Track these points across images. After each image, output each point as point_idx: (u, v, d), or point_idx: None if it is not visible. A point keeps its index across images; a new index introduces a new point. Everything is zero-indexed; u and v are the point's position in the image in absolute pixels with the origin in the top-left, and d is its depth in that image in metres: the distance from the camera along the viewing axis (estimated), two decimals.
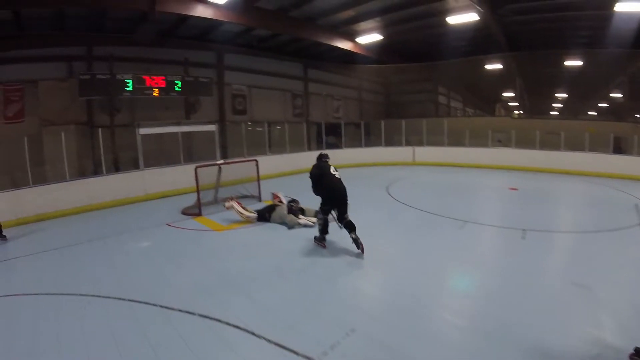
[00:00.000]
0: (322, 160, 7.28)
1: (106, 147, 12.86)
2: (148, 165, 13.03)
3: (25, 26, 12.34)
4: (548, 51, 20.66)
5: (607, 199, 11.78)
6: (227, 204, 9.40)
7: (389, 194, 12.49)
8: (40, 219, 10.16)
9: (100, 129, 12.79)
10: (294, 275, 5.91)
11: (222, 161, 12.01)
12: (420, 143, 21.02)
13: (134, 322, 4.54)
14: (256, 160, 11.84)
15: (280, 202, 9.93)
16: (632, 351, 3.64)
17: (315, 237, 7.27)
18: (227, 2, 12.37)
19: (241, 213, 9.17)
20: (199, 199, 10.18)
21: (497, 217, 9.67)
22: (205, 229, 8.73)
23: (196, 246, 7.59)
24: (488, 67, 22.65)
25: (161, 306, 4.87)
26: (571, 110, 25.75)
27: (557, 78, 23.26)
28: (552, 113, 26.33)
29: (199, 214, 9.99)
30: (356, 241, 6.63)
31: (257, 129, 18.55)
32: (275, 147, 18.42)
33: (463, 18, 15.15)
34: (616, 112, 22.56)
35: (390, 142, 21.52)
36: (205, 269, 6.27)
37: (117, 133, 14.32)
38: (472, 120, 24.92)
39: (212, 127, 14.85)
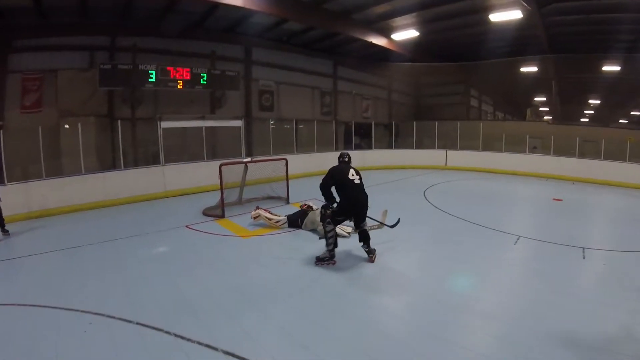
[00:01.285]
0: (341, 161, 6.39)
1: (126, 140, 12.19)
2: (169, 160, 12.22)
3: (46, 14, 11.64)
4: (587, 55, 19.60)
5: None
6: (253, 214, 8.45)
7: (428, 201, 11.42)
8: (50, 213, 9.40)
9: (120, 122, 11.98)
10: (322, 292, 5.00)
11: (249, 159, 11.09)
12: (453, 146, 19.96)
13: (143, 352, 3.65)
14: (286, 159, 10.91)
15: (310, 207, 8.99)
16: None
17: (317, 258, 6.15)
18: None
19: (269, 219, 8.24)
20: (222, 199, 9.25)
21: (549, 231, 8.34)
22: (229, 234, 7.78)
23: (217, 255, 6.65)
24: (524, 69, 21.82)
25: (175, 335, 3.92)
26: (608, 117, 24.16)
27: (595, 83, 21.96)
28: (587, 120, 24.79)
29: (222, 216, 9.07)
30: (370, 253, 6.18)
31: (285, 126, 17.66)
32: (303, 146, 17.50)
33: (506, 15, 14.19)
34: None
35: (419, 145, 20.61)
36: (226, 285, 5.34)
37: (138, 126, 13.55)
38: (505, 125, 23.66)
39: (237, 123, 14.14)
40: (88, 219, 9.26)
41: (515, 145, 19.03)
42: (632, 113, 23.24)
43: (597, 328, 4.14)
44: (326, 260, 6.04)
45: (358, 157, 18.05)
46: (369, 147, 20.14)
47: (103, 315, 4.37)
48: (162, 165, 12.02)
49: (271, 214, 8.49)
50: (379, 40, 17.62)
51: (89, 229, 8.32)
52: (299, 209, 9.21)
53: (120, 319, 4.28)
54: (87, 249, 6.85)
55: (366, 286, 5.40)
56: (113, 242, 7.27)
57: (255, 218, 8.36)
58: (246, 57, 17.16)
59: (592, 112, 24.73)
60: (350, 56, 21.50)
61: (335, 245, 6.09)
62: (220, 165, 9.20)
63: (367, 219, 6.30)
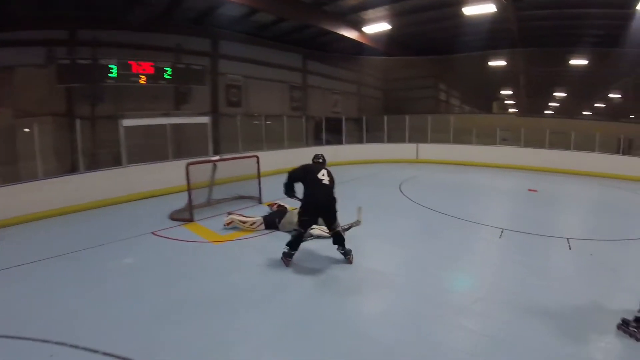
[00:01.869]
0: (315, 162, 6.36)
1: (86, 141, 11.49)
2: (133, 161, 11.63)
3: None
4: (556, 49, 20.09)
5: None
6: (226, 221, 8.07)
7: (405, 195, 11.36)
8: (4, 224, 8.63)
9: (79, 121, 11.17)
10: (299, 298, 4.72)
11: (217, 157, 10.64)
12: (424, 140, 20.02)
13: None
14: (257, 157, 10.56)
15: (282, 206, 8.74)
16: (619, 321, 4.06)
17: (284, 252, 6.07)
18: None
19: (243, 222, 7.91)
20: (190, 201, 8.83)
21: (531, 223, 8.55)
22: (200, 240, 7.39)
23: (187, 264, 6.27)
24: (493, 63, 22.20)
25: None
26: (577, 109, 24.77)
27: (563, 77, 22.71)
28: (554, 112, 25.68)
29: (191, 220, 8.67)
30: (346, 255, 6.07)
31: (254, 122, 17.21)
32: (272, 142, 17.08)
33: (480, 9, 14.32)
34: (623, 112, 21.70)
35: (390, 139, 20.58)
36: (200, 296, 4.99)
37: (99, 125, 12.89)
38: (476, 118, 24.13)
39: (204, 119, 13.64)
40: (47, 228, 8.62)
41: (485, 137, 19.33)
42: (595, 105, 24.07)
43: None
44: (283, 257, 6.03)
45: (330, 153, 17.80)
46: (340, 142, 19.92)
47: (66, 345, 3.93)
48: (125, 167, 11.42)
49: (245, 216, 8.18)
50: (350, 34, 17.42)
51: (48, 240, 7.75)
52: (269, 208, 8.98)
53: (85, 348, 3.87)
54: (46, 264, 6.30)
55: (346, 289, 5.26)
56: (75, 254, 6.74)
57: (228, 224, 7.99)
58: (213, 50, 16.62)
59: (559, 104, 25.45)
60: (322, 50, 21.18)
61: (296, 247, 6.00)
62: (187, 165, 8.71)
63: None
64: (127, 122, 11.33)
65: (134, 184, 11.43)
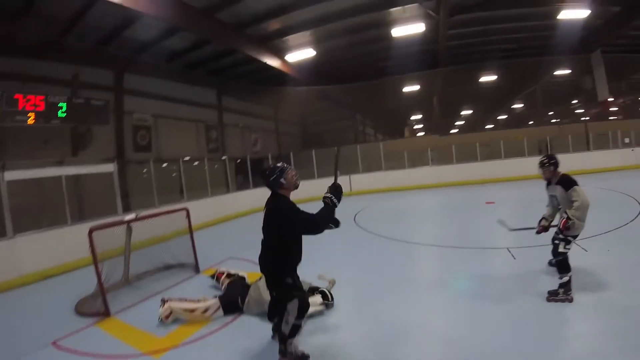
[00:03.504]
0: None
1: None
2: (21, 229, 8.75)
3: None
4: (472, 64, 21.98)
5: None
6: (162, 313, 5.58)
7: (364, 229, 10.01)
8: None
9: None
10: None
11: (133, 215, 8.13)
12: (354, 170, 19.48)
13: None
14: (186, 210, 8.35)
15: (232, 276, 6.70)
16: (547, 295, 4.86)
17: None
18: None
19: (190, 311, 5.61)
20: (101, 284, 6.29)
21: (516, 238, 7.02)
22: (128, 353, 4.93)
23: None
24: (414, 86, 23.49)
25: None
26: (500, 120, 29.14)
27: (485, 90, 24.83)
28: (467, 126, 29.20)
29: (106, 314, 6.15)
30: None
31: (171, 167, 14.87)
32: (191, 190, 14.82)
33: (409, 29, 14.81)
34: (536, 117, 26.06)
35: (320, 174, 19.74)
36: None
37: None
38: (405, 142, 25.68)
39: (109, 168, 11.21)
40: None
41: (415, 160, 20.48)
42: (518, 113, 28.69)
43: None
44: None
45: (259, 197, 16.19)
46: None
47: None
48: (11, 238, 8.54)
49: (189, 301, 5.80)
50: (273, 61, 16.42)
51: None
52: (214, 280, 6.85)
53: None
54: None
55: None
56: None
57: (167, 317, 5.55)
58: (118, 83, 14.42)
59: (478, 118, 29.56)
60: (240, 80, 20.00)
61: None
62: (91, 232, 6.22)
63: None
64: (10, 175, 8.60)
65: (25, 261, 8.55)
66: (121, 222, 7.46)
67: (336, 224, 4.11)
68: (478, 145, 19.21)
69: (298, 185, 4.24)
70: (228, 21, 13.54)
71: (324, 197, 3.98)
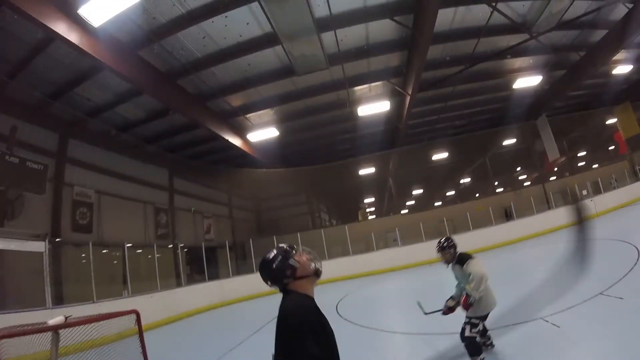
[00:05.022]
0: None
1: None
2: None
3: None
4: (427, 142, 21.98)
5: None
6: None
7: (364, 326, 7.83)
8: None
9: None
10: None
11: (60, 318, 5.77)
12: (320, 257, 17.59)
13: None
14: (136, 313, 6.14)
15: None
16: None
17: None
18: (102, 27, 7.62)
19: None
20: None
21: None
22: None
23: None
24: (374, 166, 22.44)
25: None
26: (459, 195, 30.40)
27: (443, 167, 24.97)
28: (445, 201, 31.30)
29: None
30: None
31: (114, 253, 12.56)
32: (136, 282, 12.41)
33: (375, 108, 14.01)
34: (491, 187, 27.69)
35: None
36: None
37: None
38: (371, 222, 25.28)
39: (39, 247, 9.00)
40: None
41: (378, 242, 19.32)
42: (448, 194, 31.56)
43: None
44: None
45: (215, 290, 14.10)
46: (226, 275, 16.37)
47: None
48: None
49: None
50: (234, 139, 15.35)
51: None
52: None
53: None
54: None
55: None
56: None
57: None
58: (60, 148, 12.58)
59: (444, 193, 31.78)
60: (195, 159, 18.44)
61: None
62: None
63: None
64: None
65: None
66: (45, 329, 5.17)
67: None
68: (445, 219, 18.85)
69: (320, 271, 2.44)
70: (191, 91, 12.23)
71: None
